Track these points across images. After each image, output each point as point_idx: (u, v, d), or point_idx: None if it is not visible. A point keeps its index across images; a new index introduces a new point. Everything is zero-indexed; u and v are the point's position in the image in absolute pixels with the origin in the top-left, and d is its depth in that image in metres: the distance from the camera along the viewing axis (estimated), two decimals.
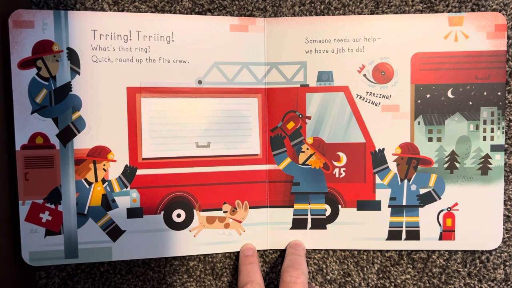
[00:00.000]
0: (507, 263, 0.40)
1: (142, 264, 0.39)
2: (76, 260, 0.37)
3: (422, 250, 0.40)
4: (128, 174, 0.37)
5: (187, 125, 0.37)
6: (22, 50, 0.35)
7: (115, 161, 0.37)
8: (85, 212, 0.37)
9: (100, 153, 0.37)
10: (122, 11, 0.37)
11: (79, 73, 0.36)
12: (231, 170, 0.38)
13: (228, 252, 0.40)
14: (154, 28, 0.36)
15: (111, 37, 0.36)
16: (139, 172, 0.37)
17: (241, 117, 0.38)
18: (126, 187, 0.37)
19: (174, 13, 0.37)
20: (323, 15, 0.39)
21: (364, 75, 0.39)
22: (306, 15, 0.39)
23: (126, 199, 0.37)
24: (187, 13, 0.38)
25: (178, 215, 0.38)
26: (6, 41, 0.35)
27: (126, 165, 0.37)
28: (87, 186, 0.37)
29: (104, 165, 0.37)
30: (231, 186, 0.38)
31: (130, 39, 0.36)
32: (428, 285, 0.40)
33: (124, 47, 0.36)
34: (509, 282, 0.40)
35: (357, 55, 0.38)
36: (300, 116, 0.39)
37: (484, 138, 0.38)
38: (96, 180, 0.37)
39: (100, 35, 0.36)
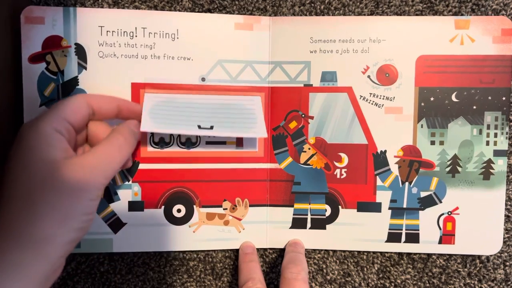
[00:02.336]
0: (507, 263, 0.41)
1: (142, 264, 0.41)
2: (79, 250, 0.39)
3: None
4: (131, 168, 0.40)
5: (190, 112, 0.38)
6: (32, 45, 0.38)
7: None
8: None
9: None
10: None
11: (85, 68, 0.38)
12: (231, 168, 0.41)
13: (228, 252, 0.42)
14: (159, 26, 0.39)
15: (117, 34, 0.38)
16: (141, 166, 0.40)
17: (245, 108, 0.40)
18: (128, 180, 0.40)
19: None
20: (323, 15, 0.40)
21: (368, 76, 0.40)
22: (306, 15, 0.41)
23: (128, 192, 0.40)
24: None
25: (178, 210, 0.40)
26: (18, 36, 0.38)
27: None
28: None
29: None
30: (231, 184, 0.41)
31: (136, 36, 0.39)
32: (428, 285, 0.42)
33: (130, 44, 0.39)
34: (509, 282, 0.41)
35: (361, 56, 0.40)
36: (303, 115, 0.41)
37: (487, 143, 0.40)
38: None
39: (107, 31, 0.38)
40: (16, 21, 0.37)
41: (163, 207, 0.40)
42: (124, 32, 0.38)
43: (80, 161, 0.29)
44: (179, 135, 0.40)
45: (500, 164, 0.40)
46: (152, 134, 0.40)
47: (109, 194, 0.39)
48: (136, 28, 0.39)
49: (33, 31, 0.37)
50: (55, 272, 0.29)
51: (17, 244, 0.26)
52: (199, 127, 0.37)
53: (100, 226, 0.39)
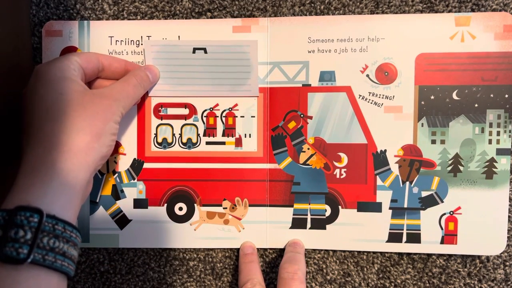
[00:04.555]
0: (507, 263, 0.42)
1: (142, 264, 0.44)
2: (88, 245, 0.43)
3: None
4: (136, 167, 0.43)
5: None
6: (52, 55, 0.43)
7: (125, 154, 0.43)
8: (97, 200, 0.43)
9: None
10: (122, 11, 0.43)
11: None
12: (231, 168, 0.43)
13: (228, 252, 0.44)
14: (162, 33, 0.42)
15: (125, 43, 0.43)
16: (146, 165, 0.43)
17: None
18: (134, 179, 0.43)
19: (174, 13, 0.43)
20: (323, 15, 0.42)
21: (367, 75, 0.42)
22: (306, 15, 0.43)
23: (133, 190, 0.43)
24: (187, 13, 0.43)
25: (180, 208, 0.44)
26: (39, 47, 0.43)
27: (134, 159, 0.43)
28: (100, 176, 0.43)
29: (115, 157, 0.43)
30: (231, 183, 0.43)
31: (141, 44, 0.43)
32: (428, 285, 0.42)
33: (136, 51, 0.43)
34: (509, 282, 0.42)
35: (360, 55, 0.42)
36: (302, 115, 0.43)
37: (490, 142, 0.40)
38: (108, 171, 0.43)
39: (116, 40, 0.43)
40: (37, 35, 0.43)
41: (165, 205, 0.43)
42: (131, 41, 0.43)
43: (103, 92, 0.35)
44: (180, 136, 0.43)
45: (503, 163, 0.40)
46: (156, 135, 0.43)
47: (116, 192, 0.43)
48: (141, 36, 0.43)
49: (53, 43, 0.43)
50: (88, 186, 0.35)
51: (62, 155, 0.31)
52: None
53: (107, 222, 0.43)
